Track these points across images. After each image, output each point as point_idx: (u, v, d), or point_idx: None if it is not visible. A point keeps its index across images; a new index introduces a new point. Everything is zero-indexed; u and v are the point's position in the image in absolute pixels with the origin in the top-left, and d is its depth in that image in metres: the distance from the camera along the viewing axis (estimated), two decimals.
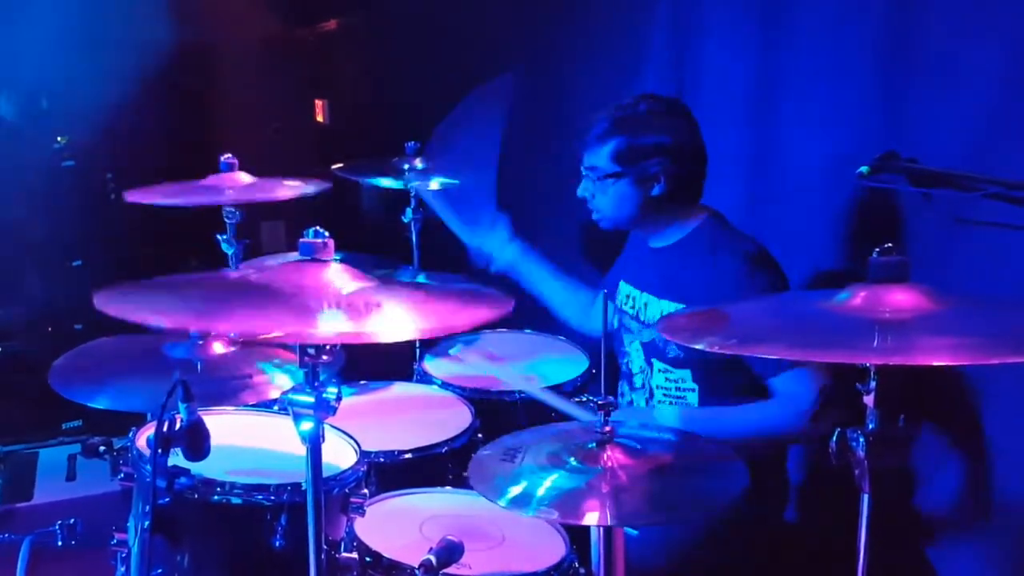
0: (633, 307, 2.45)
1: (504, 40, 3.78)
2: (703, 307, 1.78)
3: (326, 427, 1.56)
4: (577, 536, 1.93)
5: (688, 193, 2.36)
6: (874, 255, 1.51)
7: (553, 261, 2.70)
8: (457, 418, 2.45)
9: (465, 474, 1.80)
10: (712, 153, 2.36)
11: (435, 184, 3.00)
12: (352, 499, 1.85)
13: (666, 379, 2.36)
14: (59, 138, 4.43)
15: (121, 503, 1.96)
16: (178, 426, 1.60)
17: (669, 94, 2.92)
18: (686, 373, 2.31)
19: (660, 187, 2.32)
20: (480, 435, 2.39)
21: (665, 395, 2.36)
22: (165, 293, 1.66)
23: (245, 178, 2.75)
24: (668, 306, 2.33)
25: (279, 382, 1.99)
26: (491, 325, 2.86)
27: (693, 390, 2.31)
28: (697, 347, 1.52)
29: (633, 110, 2.32)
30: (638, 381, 2.45)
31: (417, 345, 2.95)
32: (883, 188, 2.28)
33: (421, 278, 3.11)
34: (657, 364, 2.37)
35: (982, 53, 2.10)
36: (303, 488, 1.60)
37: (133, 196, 2.66)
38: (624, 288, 2.50)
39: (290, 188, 2.81)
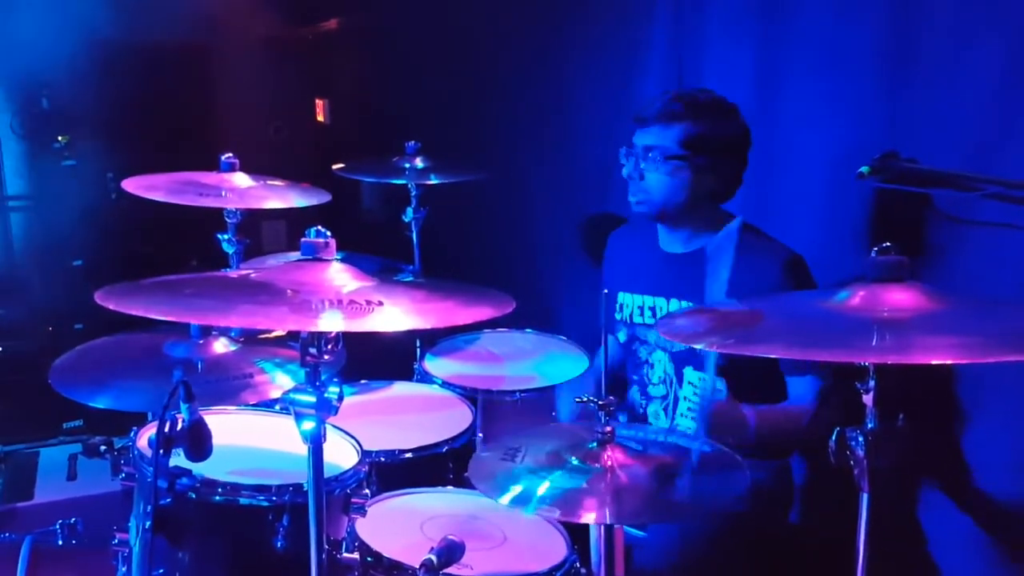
0: (654, 317, 2.39)
1: (504, 40, 3.78)
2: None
3: (327, 427, 1.57)
4: (577, 536, 1.93)
5: (727, 195, 2.35)
6: (873, 255, 1.51)
7: (553, 258, 2.68)
8: (457, 418, 2.45)
9: (466, 474, 1.80)
10: None
11: None
12: (353, 499, 1.85)
13: (694, 392, 2.32)
14: (59, 138, 4.43)
15: (122, 503, 1.96)
16: (179, 426, 1.60)
17: None
18: (721, 379, 2.26)
19: (713, 182, 2.30)
20: (480, 435, 2.39)
21: (691, 408, 2.33)
22: (165, 292, 1.66)
23: (245, 180, 2.75)
24: None
25: (280, 382, 1.99)
26: (492, 324, 2.90)
27: (720, 391, 2.26)
28: (697, 347, 1.52)
29: (702, 99, 2.28)
30: (657, 391, 2.41)
31: (418, 345, 2.95)
32: (883, 188, 2.28)
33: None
34: (689, 375, 2.34)
35: (982, 53, 2.11)
36: (305, 488, 1.60)
37: (130, 184, 2.66)
38: (634, 299, 2.44)
39: (288, 198, 2.81)
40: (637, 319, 2.43)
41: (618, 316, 2.46)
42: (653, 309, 2.40)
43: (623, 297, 2.47)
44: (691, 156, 2.26)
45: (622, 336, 2.47)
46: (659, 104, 2.29)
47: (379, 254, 3.30)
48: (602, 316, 2.01)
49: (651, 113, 2.29)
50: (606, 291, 2.09)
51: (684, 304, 2.34)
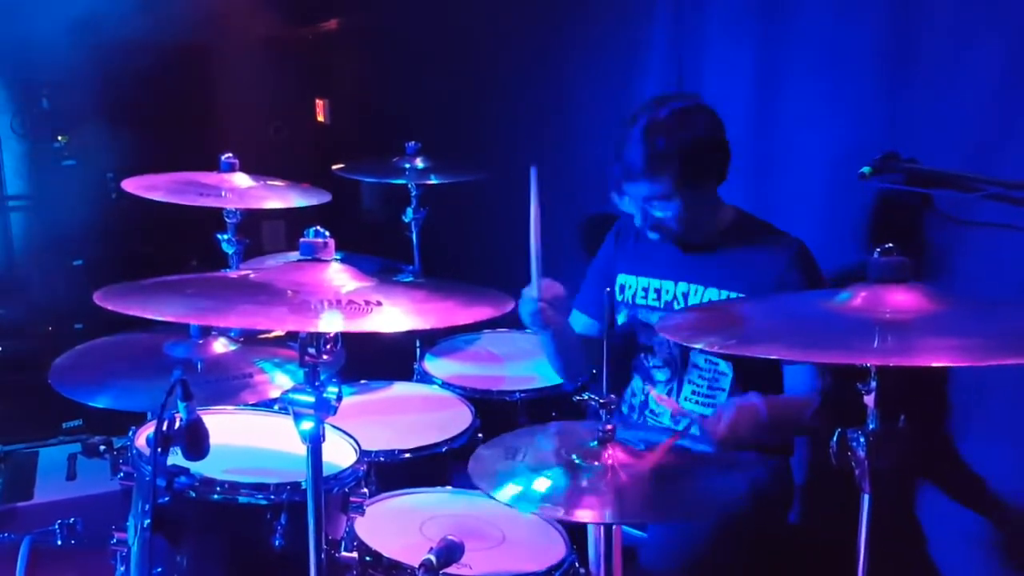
0: (658, 299, 2.37)
1: (504, 40, 3.78)
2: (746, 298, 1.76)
3: (326, 426, 1.56)
4: (576, 536, 1.93)
5: (722, 178, 2.31)
6: (875, 255, 1.51)
7: (553, 258, 2.66)
8: (457, 418, 2.45)
9: (466, 472, 1.80)
10: None
11: None
12: (352, 498, 1.85)
13: (699, 376, 2.32)
14: (59, 138, 4.43)
15: (121, 502, 1.96)
16: (178, 425, 1.60)
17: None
18: (728, 363, 2.28)
19: (709, 182, 2.28)
20: (480, 435, 2.39)
21: (695, 391, 2.33)
22: (166, 292, 1.66)
23: (245, 180, 2.74)
24: (714, 295, 2.29)
25: (279, 381, 1.99)
26: (492, 324, 2.90)
27: (726, 375, 2.29)
28: (696, 347, 1.51)
29: (666, 120, 2.20)
30: (662, 375, 2.40)
31: (418, 345, 2.95)
32: (884, 188, 2.28)
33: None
34: (695, 357, 2.32)
35: (982, 53, 2.11)
36: (303, 487, 1.60)
37: (130, 184, 2.66)
38: (638, 281, 2.42)
39: (288, 198, 2.81)
40: (640, 300, 2.41)
41: (619, 298, 2.44)
42: (659, 291, 2.38)
43: (625, 279, 2.44)
44: (688, 184, 2.22)
45: (621, 318, 2.45)
46: (639, 152, 2.20)
47: (379, 254, 3.30)
48: (605, 314, 2.02)
49: (637, 167, 2.21)
50: (608, 289, 2.08)
51: (692, 287, 2.33)
